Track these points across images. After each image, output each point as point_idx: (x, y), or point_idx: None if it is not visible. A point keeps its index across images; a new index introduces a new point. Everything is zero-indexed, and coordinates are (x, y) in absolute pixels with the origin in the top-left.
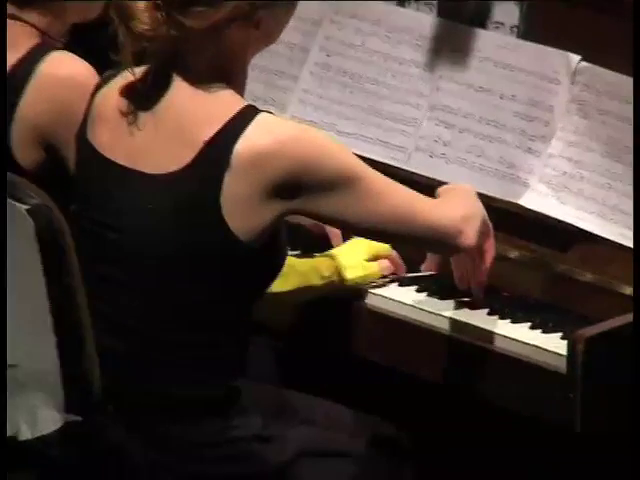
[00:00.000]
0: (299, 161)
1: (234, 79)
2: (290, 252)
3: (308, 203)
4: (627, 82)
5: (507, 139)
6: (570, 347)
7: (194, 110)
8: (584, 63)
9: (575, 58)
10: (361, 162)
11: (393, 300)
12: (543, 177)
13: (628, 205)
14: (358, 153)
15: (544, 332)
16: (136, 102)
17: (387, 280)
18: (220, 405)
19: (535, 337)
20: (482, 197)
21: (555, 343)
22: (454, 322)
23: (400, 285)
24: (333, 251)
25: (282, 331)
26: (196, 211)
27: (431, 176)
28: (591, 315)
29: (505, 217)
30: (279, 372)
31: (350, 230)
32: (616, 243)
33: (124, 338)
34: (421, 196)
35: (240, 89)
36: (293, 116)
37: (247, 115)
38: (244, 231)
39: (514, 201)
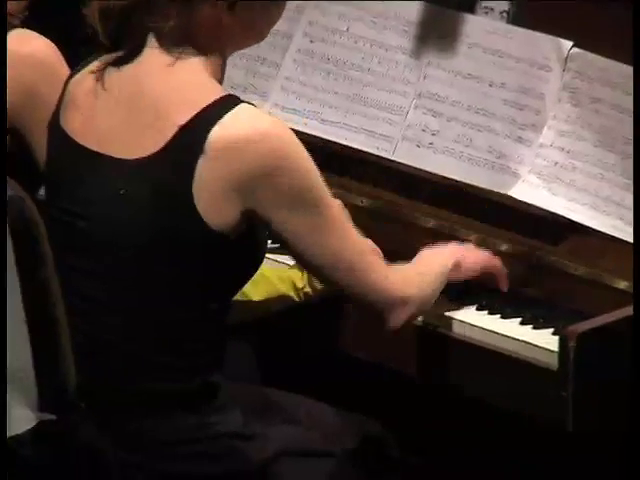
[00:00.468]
0: (271, 159)
1: (209, 61)
2: (271, 245)
3: (264, 209)
4: (620, 69)
5: (496, 128)
6: (562, 343)
7: (170, 94)
8: (576, 49)
9: (567, 44)
10: (330, 194)
11: None
12: (534, 167)
13: (621, 196)
14: (342, 142)
15: (535, 328)
16: (108, 67)
17: None
18: (194, 400)
19: (525, 333)
20: (471, 188)
21: (546, 339)
22: (442, 317)
23: None
24: None
25: (265, 328)
26: (168, 198)
27: (418, 166)
28: (583, 310)
29: (494, 209)
30: (261, 370)
31: (290, 253)
32: (609, 235)
33: (94, 331)
34: (378, 257)
35: (217, 74)
36: (275, 104)
37: (227, 103)
38: (215, 221)
39: (504, 192)
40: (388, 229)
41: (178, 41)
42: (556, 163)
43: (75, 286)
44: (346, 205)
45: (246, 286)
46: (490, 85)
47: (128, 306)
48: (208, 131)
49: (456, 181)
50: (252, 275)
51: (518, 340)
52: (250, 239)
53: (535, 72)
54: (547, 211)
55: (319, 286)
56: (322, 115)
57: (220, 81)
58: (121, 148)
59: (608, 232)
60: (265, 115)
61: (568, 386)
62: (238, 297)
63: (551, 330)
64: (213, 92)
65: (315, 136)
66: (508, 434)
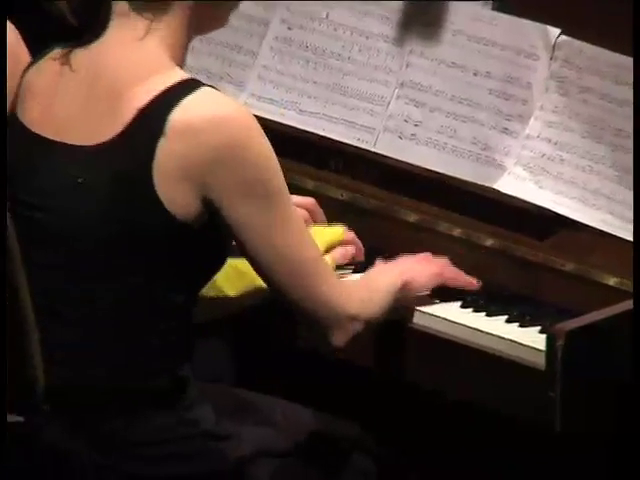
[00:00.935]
0: (228, 145)
1: (171, 44)
2: None
3: (217, 197)
4: (610, 57)
5: (481, 119)
6: (549, 342)
7: (129, 76)
8: (564, 37)
9: (554, 31)
10: (288, 193)
11: None
12: (520, 159)
13: (611, 189)
14: (322, 133)
15: (521, 326)
16: (75, 49)
17: (347, 270)
18: (164, 397)
19: (511, 331)
20: (454, 181)
21: (533, 337)
22: (424, 315)
23: None
24: None
25: (239, 325)
26: (128, 184)
27: (400, 158)
28: (571, 307)
29: (479, 202)
30: (237, 372)
31: (238, 245)
32: (598, 230)
33: (60, 327)
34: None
35: (178, 59)
36: (252, 94)
37: (188, 86)
38: (177, 210)
39: (489, 185)
40: (369, 223)
41: (142, 16)
42: (543, 155)
43: (38, 281)
44: (325, 198)
45: (222, 282)
46: (475, 74)
47: (91, 301)
48: (168, 114)
49: (439, 173)
50: (219, 267)
51: (504, 339)
52: (215, 230)
53: (521, 61)
54: (534, 205)
55: None
56: (300, 105)
57: (181, 66)
58: (79, 135)
59: (597, 227)
60: (227, 100)
61: (556, 386)
62: (214, 294)
63: (538, 328)
64: (174, 75)
65: (292, 126)
66: (494, 435)
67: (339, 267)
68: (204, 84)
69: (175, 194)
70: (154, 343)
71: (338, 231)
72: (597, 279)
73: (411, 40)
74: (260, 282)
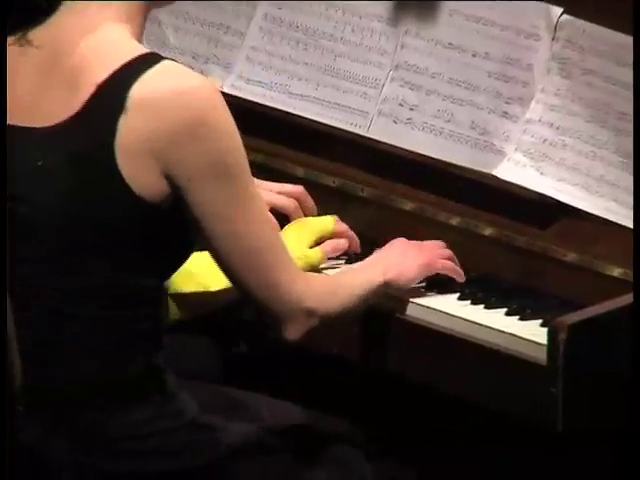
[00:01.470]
0: (193, 119)
1: (130, 19)
2: None
3: (177, 176)
4: (614, 37)
5: (480, 102)
6: (551, 335)
7: (86, 52)
8: (566, 16)
9: (556, 10)
10: (250, 175)
11: None
12: (520, 145)
13: (615, 176)
14: (313, 118)
15: (522, 319)
16: (33, 29)
17: (340, 261)
18: (144, 386)
19: (512, 324)
20: (452, 167)
21: (534, 331)
22: (421, 307)
23: None
24: None
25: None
26: (90, 164)
27: (395, 144)
28: (574, 300)
29: (477, 190)
30: (221, 369)
31: (197, 231)
32: (601, 218)
33: (34, 321)
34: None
35: (137, 35)
36: (240, 76)
37: (148, 60)
38: (144, 189)
39: (488, 172)
40: (362, 212)
41: None
42: (545, 140)
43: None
44: (316, 186)
45: (205, 276)
46: (473, 55)
47: (61, 292)
48: (128, 89)
49: (436, 160)
50: (191, 250)
51: (503, 332)
52: (183, 211)
53: (522, 41)
54: (534, 192)
55: None
56: (291, 88)
57: (139, 41)
58: (37, 117)
59: (601, 215)
60: (190, 73)
61: (558, 381)
62: (195, 289)
63: (539, 321)
64: (133, 49)
65: (282, 110)
66: (493, 432)
67: (331, 259)
68: (165, 57)
69: (141, 173)
70: (128, 331)
71: (328, 222)
72: (601, 270)
73: (406, 20)
74: None
